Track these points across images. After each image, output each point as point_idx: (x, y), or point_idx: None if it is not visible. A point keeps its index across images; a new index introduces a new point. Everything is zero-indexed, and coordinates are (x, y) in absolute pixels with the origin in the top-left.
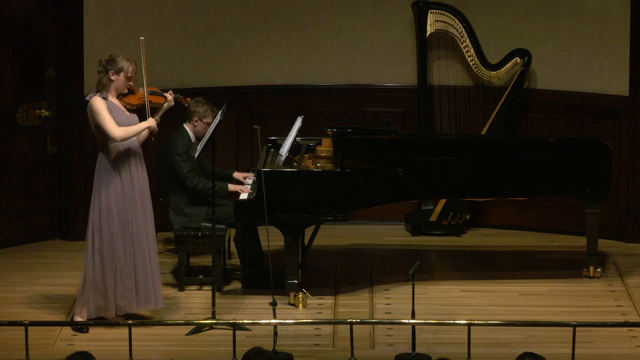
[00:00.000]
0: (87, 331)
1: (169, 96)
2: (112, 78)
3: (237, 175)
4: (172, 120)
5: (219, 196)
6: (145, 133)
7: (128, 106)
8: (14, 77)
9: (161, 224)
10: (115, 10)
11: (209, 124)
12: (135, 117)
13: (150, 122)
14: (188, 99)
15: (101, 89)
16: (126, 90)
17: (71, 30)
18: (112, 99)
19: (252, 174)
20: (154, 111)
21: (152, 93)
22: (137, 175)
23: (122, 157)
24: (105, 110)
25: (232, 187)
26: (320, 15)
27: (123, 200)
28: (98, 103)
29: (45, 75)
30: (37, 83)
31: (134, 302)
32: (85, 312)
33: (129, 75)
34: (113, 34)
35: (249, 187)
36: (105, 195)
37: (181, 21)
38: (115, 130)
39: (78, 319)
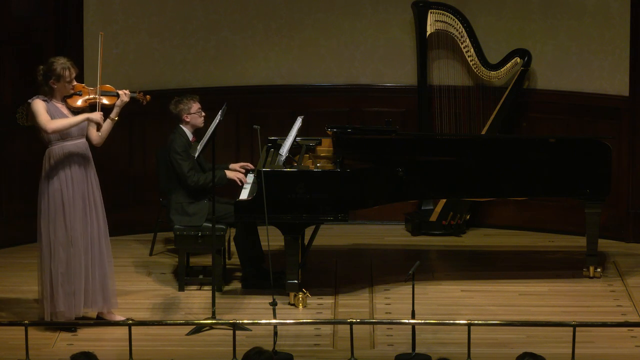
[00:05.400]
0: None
1: (122, 93)
2: (54, 86)
3: (234, 166)
4: (169, 122)
5: (219, 185)
6: (106, 127)
7: (72, 109)
8: (14, 77)
9: (161, 223)
10: (115, 10)
11: (199, 111)
12: None
13: (93, 115)
14: (147, 96)
15: (45, 95)
16: (71, 91)
17: (71, 30)
18: (56, 102)
19: (250, 167)
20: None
21: (103, 93)
22: (79, 179)
23: (62, 161)
24: (41, 109)
25: (230, 174)
26: (320, 15)
27: (63, 205)
28: (37, 105)
29: None
30: (37, 83)
31: (79, 305)
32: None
33: (68, 80)
34: (113, 34)
35: (248, 177)
36: (46, 200)
37: (181, 21)
38: (46, 122)
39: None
